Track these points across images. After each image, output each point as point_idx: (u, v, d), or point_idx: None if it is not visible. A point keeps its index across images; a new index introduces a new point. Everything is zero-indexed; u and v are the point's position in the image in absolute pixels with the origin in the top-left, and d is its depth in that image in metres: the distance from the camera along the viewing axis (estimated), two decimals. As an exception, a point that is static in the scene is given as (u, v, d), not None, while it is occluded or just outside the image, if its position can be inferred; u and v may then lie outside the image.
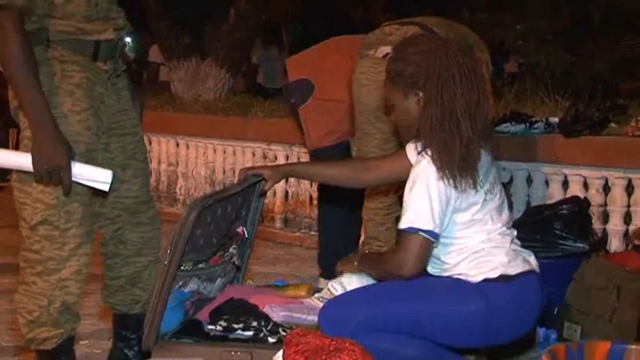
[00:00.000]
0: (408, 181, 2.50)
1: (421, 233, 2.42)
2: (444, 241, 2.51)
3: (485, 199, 2.50)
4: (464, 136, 2.45)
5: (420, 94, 2.51)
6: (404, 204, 2.48)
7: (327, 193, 4.20)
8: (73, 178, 2.46)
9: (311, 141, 4.18)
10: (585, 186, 4.26)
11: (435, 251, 2.55)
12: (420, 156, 2.50)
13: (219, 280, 3.03)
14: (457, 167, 2.43)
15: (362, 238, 4.24)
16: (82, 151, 2.52)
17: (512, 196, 4.46)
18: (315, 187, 5.05)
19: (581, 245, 3.39)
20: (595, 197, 4.15)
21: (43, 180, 2.45)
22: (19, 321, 2.58)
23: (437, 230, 2.43)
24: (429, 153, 2.46)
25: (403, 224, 2.45)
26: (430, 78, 2.48)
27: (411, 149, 2.72)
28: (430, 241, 2.44)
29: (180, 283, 2.78)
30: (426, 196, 2.42)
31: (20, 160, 2.48)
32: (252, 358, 2.53)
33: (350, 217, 4.20)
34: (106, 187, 2.52)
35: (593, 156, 4.15)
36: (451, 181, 2.43)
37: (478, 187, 2.48)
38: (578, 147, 4.18)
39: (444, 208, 2.44)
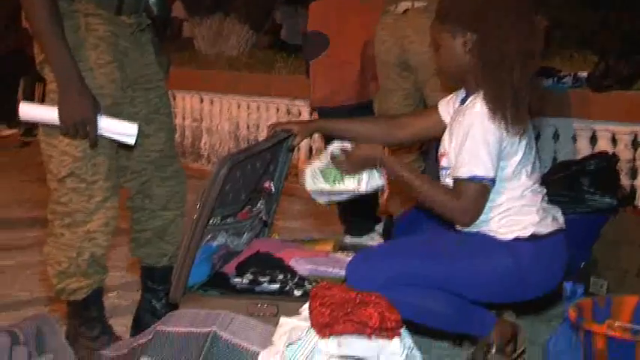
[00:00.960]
0: (458, 127, 2.46)
1: (485, 182, 2.41)
2: None
3: (525, 152, 2.48)
4: (515, 82, 2.41)
5: (470, 35, 2.45)
6: (463, 150, 2.42)
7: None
8: (99, 132, 2.46)
9: (315, 97, 4.13)
10: (614, 141, 4.22)
11: None
12: (471, 99, 2.47)
13: (246, 234, 3.05)
14: (509, 112, 2.40)
15: (386, 193, 4.22)
16: (107, 104, 2.53)
17: (539, 152, 4.42)
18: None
19: (609, 201, 3.36)
20: (624, 152, 4.11)
21: (69, 133, 2.46)
22: (49, 272, 2.61)
23: (495, 175, 2.42)
24: (481, 98, 2.43)
25: (465, 173, 2.42)
26: (484, 19, 2.42)
27: (442, 105, 2.71)
28: (490, 187, 2.43)
29: (209, 237, 2.80)
30: (482, 141, 2.40)
31: (47, 113, 2.48)
32: (278, 310, 2.54)
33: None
34: (131, 141, 2.53)
35: (622, 111, 4.10)
36: (503, 124, 2.40)
37: (525, 136, 2.45)
38: (607, 102, 4.13)
39: (499, 151, 2.42)
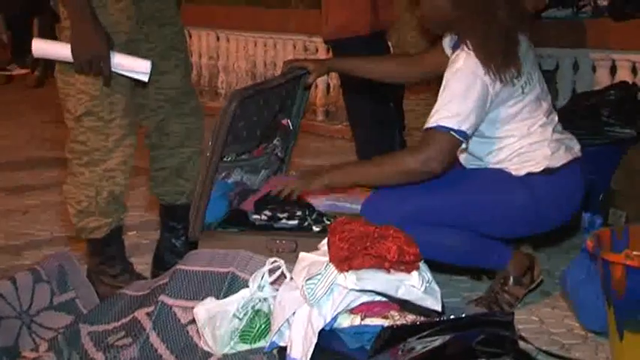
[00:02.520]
0: (444, 76, 2.42)
1: (452, 133, 2.34)
2: (484, 140, 2.49)
3: (523, 92, 2.45)
4: (503, 24, 2.38)
5: None
6: (438, 100, 2.38)
7: (350, 85, 4.13)
8: (113, 69, 2.45)
9: (328, 30, 4.08)
10: (634, 71, 4.16)
11: (476, 151, 2.53)
12: (457, 52, 2.43)
13: (262, 171, 3.05)
14: (501, 58, 2.36)
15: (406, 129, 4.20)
16: (122, 41, 2.51)
17: (558, 83, 4.38)
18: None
19: (629, 131, 3.32)
20: (644, 82, 4.05)
21: (83, 70, 2.45)
22: (69, 211, 2.63)
23: (469, 131, 2.35)
24: (469, 47, 2.39)
25: (432, 122, 2.36)
26: None
27: (446, 42, 2.67)
28: (459, 141, 2.37)
29: (224, 174, 2.81)
30: (459, 95, 2.34)
31: (60, 50, 2.47)
32: (297, 246, 2.56)
33: (381, 108, 4.11)
34: (145, 78, 2.52)
35: (642, 40, 4.03)
36: (496, 74, 2.36)
37: (520, 78, 2.42)
38: (627, 30, 4.06)
39: (483, 105, 2.36)
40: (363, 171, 2.53)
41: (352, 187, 2.66)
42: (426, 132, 2.38)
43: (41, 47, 2.53)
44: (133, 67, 2.50)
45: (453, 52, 2.49)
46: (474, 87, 2.35)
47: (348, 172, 2.55)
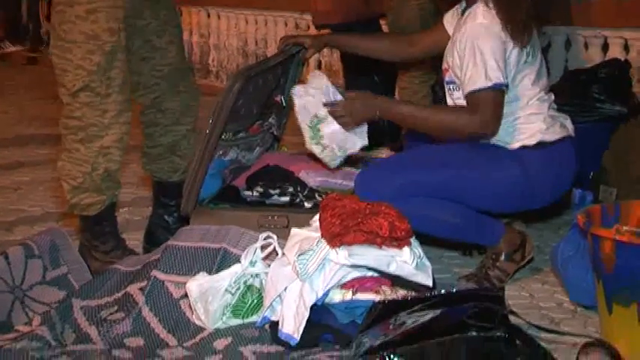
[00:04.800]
0: (461, 38, 2.42)
1: (500, 88, 2.38)
2: None
3: (526, 61, 2.46)
4: None
5: None
6: (469, 64, 2.39)
7: (353, 65, 4.14)
8: None
9: (317, 14, 4.08)
10: (626, 48, 4.16)
11: None
12: (471, 9, 2.44)
13: (257, 149, 3.06)
14: (522, 21, 2.38)
15: None
16: (120, 17, 2.50)
17: (550, 62, 4.38)
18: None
19: (620, 109, 3.34)
20: (636, 59, 4.06)
21: None
22: (63, 187, 2.63)
23: (506, 80, 2.40)
24: (489, 5, 2.40)
25: (481, 84, 2.37)
26: None
27: (447, 18, 2.67)
28: (503, 93, 2.41)
29: (221, 152, 2.81)
30: (489, 51, 2.37)
31: None
32: (289, 222, 2.57)
33: (378, 86, 4.13)
34: None
35: (635, 17, 4.03)
36: (513, 33, 2.38)
37: (528, 46, 2.43)
38: (619, 8, 4.06)
39: (504, 57, 2.40)
40: (421, 114, 2.52)
41: (402, 123, 2.75)
42: (473, 95, 2.40)
43: None
44: None
45: (463, 15, 2.49)
46: (497, 39, 2.38)
47: (407, 109, 2.56)
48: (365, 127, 2.60)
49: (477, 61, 2.38)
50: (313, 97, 2.58)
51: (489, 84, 2.37)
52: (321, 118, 2.56)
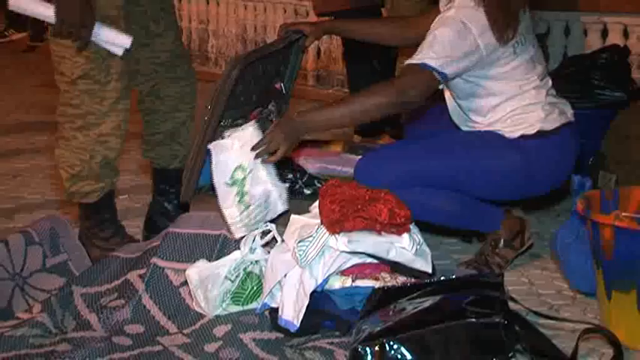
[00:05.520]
0: (440, 16, 2.43)
1: (434, 72, 2.34)
2: (478, 99, 2.49)
3: (514, 52, 2.45)
4: None
5: None
6: (424, 42, 2.38)
7: (354, 50, 4.13)
8: (92, 38, 2.43)
9: (316, 3, 4.07)
10: (625, 34, 4.15)
11: (470, 110, 2.54)
12: (450, 4, 2.44)
13: (256, 135, 3.05)
14: (504, 17, 2.37)
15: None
16: (119, 4, 2.50)
17: (549, 48, 4.37)
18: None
19: (620, 94, 3.33)
20: (635, 45, 4.06)
21: (61, 34, 2.40)
22: (61, 175, 2.63)
23: (450, 75, 2.36)
24: (477, 1, 2.39)
25: (416, 59, 2.35)
26: None
27: (442, 3, 2.67)
28: (438, 81, 2.36)
29: (219, 138, 2.80)
30: (451, 40, 2.35)
31: (41, 9, 2.41)
32: (289, 209, 2.56)
33: (379, 73, 4.14)
34: (119, 52, 2.48)
35: (635, 2, 4.02)
36: (498, 33, 2.37)
37: (516, 37, 2.42)
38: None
39: (469, 56, 2.37)
40: (347, 108, 2.39)
41: (336, 126, 2.57)
42: (407, 66, 2.37)
43: (19, 1, 2.46)
44: (114, 39, 2.47)
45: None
46: (465, 37, 2.36)
47: (326, 113, 2.42)
48: (285, 194, 2.44)
49: (429, 42, 2.36)
50: (233, 147, 2.38)
51: (419, 62, 2.34)
52: (246, 169, 2.35)
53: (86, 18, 2.38)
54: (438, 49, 2.35)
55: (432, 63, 2.33)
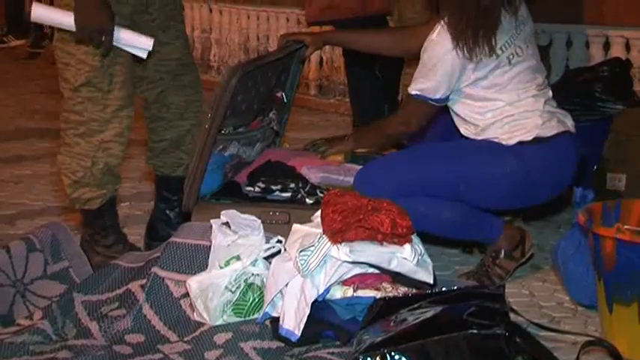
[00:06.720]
0: (427, 38, 2.49)
1: (423, 99, 2.51)
2: (475, 105, 2.50)
3: (510, 63, 2.46)
4: (480, 3, 2.39)
5: None
6: (417, 68, 2.51)
7: (354, 60, 4.13)
8: (115, 43, 2.44)
9: (311, 11, 4.07)
10: (627, 47, 4.16)
11: (465, 112, 2.54)
12: (437, 25, 2.47)
13: (258, 144, 3.06)
14: (472, 35, 2.40)
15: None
16: (127, 12, 2.51)
17: (551, 59, 4.38)
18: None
19: (622, 107, 3.33)
20: (637, 58, 4.07)
21: (83, 41, 2.43)
22: (63, 181, 2.63)
23: (443, 97, 2.50)
24: (445, 20, 2.41)
25: (411, 89, 2.53)
26: None
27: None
28: (434, 106, 2.54)
29: (221, 146, 2.81)
30: (431, 67, 2.46)
31: (61, 17, 2.44)
32: (290, 218, 2.57)
33: (380, 83, 4.13)
34: (144, 55, 2.50)
35: (637, 16, 4.03)
36: (465, 51, 2.40)
37: (499, 53, 2.43)
38: (622, 6, 4.06)
39: (452, 74, 2.45)
40: (369, 134, 2.87)
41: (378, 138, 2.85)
42: (406, 97, 2.62)
43: (41, 12, 2.48)
44: (135, 43, 2.48)
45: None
46: (444, 61, 2.44)
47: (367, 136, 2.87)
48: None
49: (419, 70, 2.52)
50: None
51: (412, 93, 2.53)
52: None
53: (106, 23, 2.39)
54: (426, 75, 2.49)
55: (424, 93, 2.50)
